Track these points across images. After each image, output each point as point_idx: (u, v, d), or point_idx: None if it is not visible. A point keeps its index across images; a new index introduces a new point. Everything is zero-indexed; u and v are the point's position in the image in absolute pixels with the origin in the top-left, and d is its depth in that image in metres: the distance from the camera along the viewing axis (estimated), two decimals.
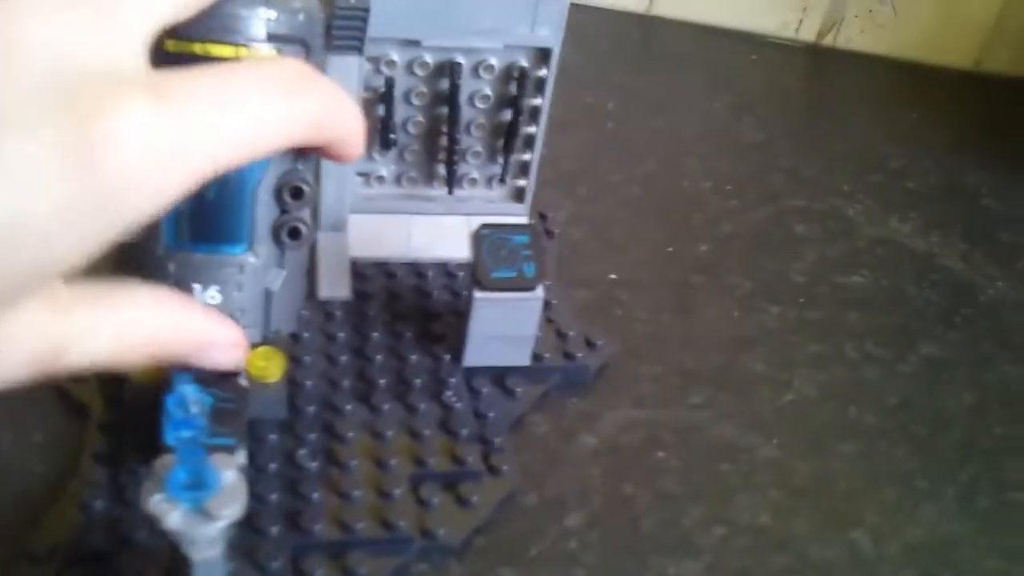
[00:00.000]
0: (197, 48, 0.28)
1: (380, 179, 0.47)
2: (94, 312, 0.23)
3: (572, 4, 0.43)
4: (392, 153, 0.47)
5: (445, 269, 0.47)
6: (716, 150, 0.62)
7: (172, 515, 0.27)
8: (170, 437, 0.26)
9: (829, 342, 0.49)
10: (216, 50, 0.28)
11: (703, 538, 0.38)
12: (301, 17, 0.30)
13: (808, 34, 0.77)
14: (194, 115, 0.20)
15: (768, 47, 0.76)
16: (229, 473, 0.28)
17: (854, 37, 0.76)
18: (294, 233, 0.33)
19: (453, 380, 0.41)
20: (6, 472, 0.36)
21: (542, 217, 0.52)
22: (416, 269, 0.47)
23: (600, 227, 0.54)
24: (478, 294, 0.40)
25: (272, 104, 0.22)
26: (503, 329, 0.41)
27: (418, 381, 0.41)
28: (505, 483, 0.38)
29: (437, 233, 0.48)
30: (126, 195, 0.19)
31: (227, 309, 0.31)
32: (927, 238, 0.57)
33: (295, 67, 0.24)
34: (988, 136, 0.69)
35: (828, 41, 0.77)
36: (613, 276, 0.50)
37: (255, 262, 0.34)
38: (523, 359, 0.42)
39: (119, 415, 0.37)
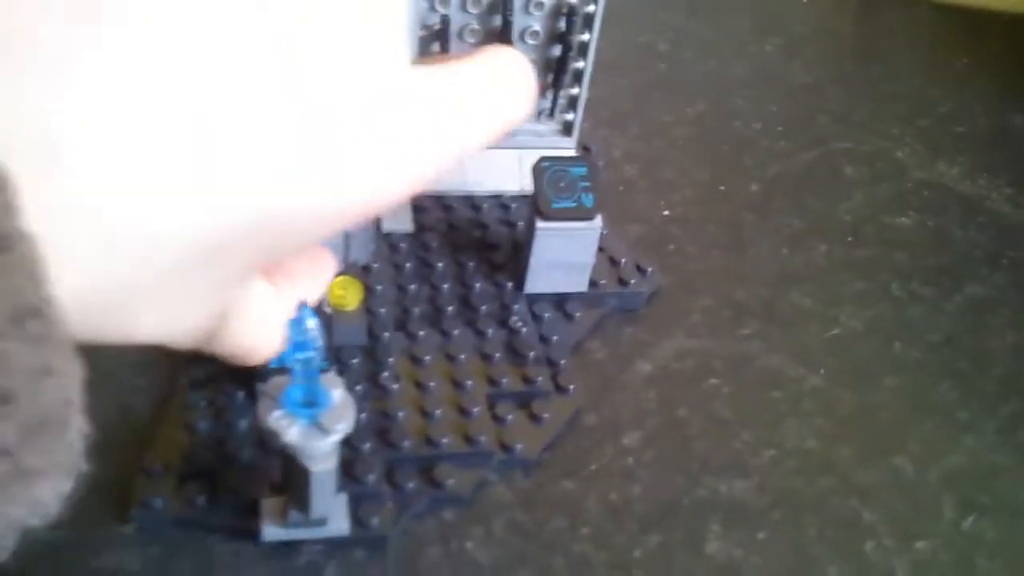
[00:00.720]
0: None
1: None
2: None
3: None
4: None
5: (499, 201, 0.49)
6: (766, 92, 0.63)
7: (291, 430, 0.29)
8: (288, 358, 0.28)
9: (875, 280, 0.50)
10: None
11: (753, 459, 0.40)
12: None
13: None
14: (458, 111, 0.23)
15: None
16: (338, 391, 0.30)
17: None
18: None
19: (516, 306, 0.43)
20: (112, 386, 0.39)
21: (586, 150, 0.53)
22: (471, 201, 0.49)
23: (652, 166, 0.55)
24: (540, 224, 0.42)
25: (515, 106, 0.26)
26: (563, 257, 0.43)
27: (484, 307, 0.43)
28: (573, 401, 0.40)
29: (490, 166, 0.50)
30: (390, 182, 0.22)
31: None
32: (975, 182, 0.58)
33: (529, 68, 0.27)
34: None
35: None
36: (666, 212, 0.52)
37: None
38: (581, 285, 0.45)
39: None
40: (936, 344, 0.47)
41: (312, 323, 0.28)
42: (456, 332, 0.42)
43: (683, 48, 0.66)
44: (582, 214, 0.42)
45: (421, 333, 0.41)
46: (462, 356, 0.40)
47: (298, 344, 0.28)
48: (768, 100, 0.62)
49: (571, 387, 0.40)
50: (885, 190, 0.56)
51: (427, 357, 0.40)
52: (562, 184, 0.42)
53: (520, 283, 0.44)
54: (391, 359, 0.40)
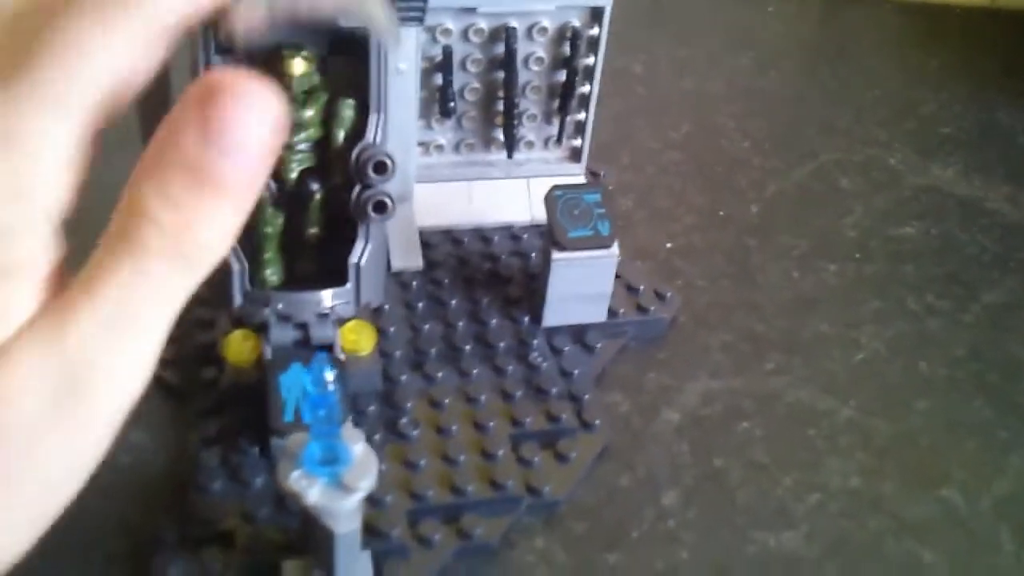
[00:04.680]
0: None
1: (439, 148, 0.47)
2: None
3: None
4: (450, 121, 0.46)
5: (510, 232, 0.47)
6: (748, 108, 0.61)
7: (312, 490, 0.27)
8: (307, 415, 0.26)
9: (890, 297, 0.48)
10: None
11: (798, 506, 0.38)
12: None
13: None
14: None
15: None
16: (359, 446, 0.28)
17: None
18: (380, 207, 0.33)
19: (535, 341, 0.41)
20: (124, 459, 0.36)
21: (594, 175, 0.51)
22: (481, 234, 0.47)
23: (647, 195, 0.53)
24: (556, 255, 0.40)
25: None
26: (581, 287, 0.41)
27: (502, 344, 0.41)
28: (600, 437, 0.38)
29: (498, 197, 0.48)
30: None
31: None
32: (970, 182, 0.57)
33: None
34: (1012, 75, 0.68)
35: None
36: (669, 245, 0.49)
37: None
38: (600, 315, 0.43)
39: (216, 398, 0.37)
40: (962, 359, 0.45)
41: (331, 376, 0.26)
42: (475, 371, 0.40)
43: (658, 69, 0.64)
44: (600, 242, 0.40)
45: (439, 375, 0.39)
46: (482, 397, 0.38)
47: (317, 399, 0.26)
48: (751, 115, 0.60)
49: (596, 422, 0.38)
50: (884, 200, 0.55)
51: (446, 400, 0.38)
52: (576, 212, 0.40)
53: (537, 317, 0.42)
54: (409, 404, 0.38)
